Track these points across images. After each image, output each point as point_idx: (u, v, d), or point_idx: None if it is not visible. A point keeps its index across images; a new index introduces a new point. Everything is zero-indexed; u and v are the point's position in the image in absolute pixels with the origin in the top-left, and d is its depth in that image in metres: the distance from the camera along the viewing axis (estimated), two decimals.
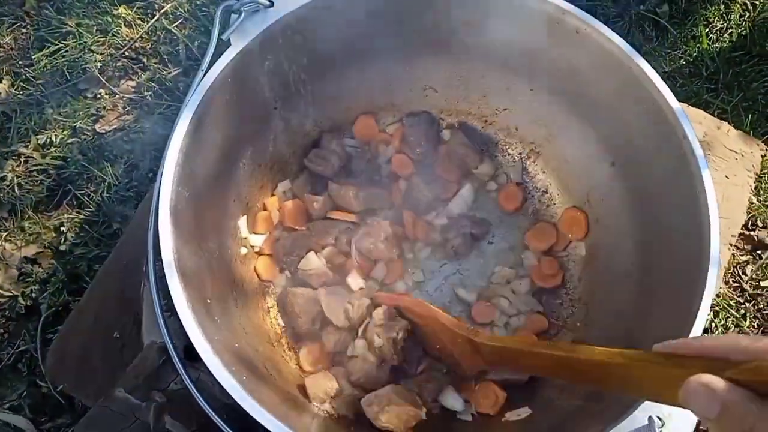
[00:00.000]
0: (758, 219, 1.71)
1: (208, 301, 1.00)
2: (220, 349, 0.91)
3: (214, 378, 0.87)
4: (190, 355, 0.95)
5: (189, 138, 1.00)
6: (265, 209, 1.34)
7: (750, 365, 0.47)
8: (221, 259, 1.17)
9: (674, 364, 0.55)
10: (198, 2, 1.98)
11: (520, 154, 1.43)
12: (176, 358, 0.96)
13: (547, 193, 1.40)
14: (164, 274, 0.93)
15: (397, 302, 1.20)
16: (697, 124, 1.63)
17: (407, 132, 1.40)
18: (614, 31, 1.10)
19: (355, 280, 1.27)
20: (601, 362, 0.65)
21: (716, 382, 0.47)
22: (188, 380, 0.95)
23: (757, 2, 2.02)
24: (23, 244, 1.70)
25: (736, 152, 1.62)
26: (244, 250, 1.27)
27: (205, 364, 0.88)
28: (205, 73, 1.03)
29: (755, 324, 1.63)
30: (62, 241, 1.70)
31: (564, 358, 0.73)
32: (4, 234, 1.70)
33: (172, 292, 0.90)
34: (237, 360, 0.97)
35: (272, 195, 1.36)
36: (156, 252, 0.96)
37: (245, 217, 1.28)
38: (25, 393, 1.56)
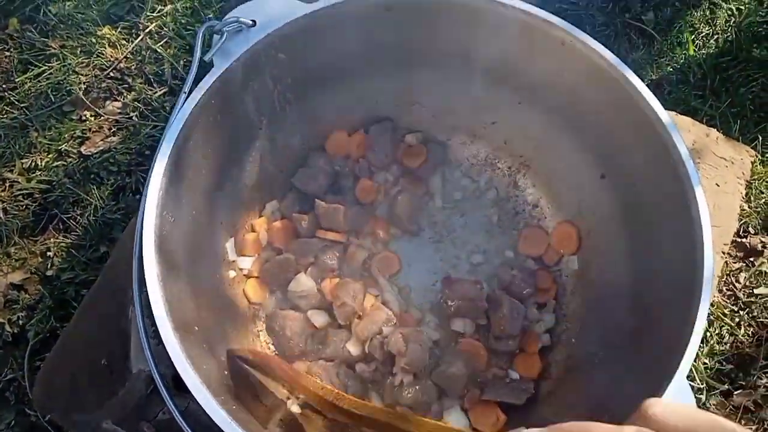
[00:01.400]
0: (750, 225, 1.71)
1: (196, 328, 0.98)
2: (209, 378, 0.88)
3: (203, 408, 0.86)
4: (178, 384, 0.93)
5: (172, 162, 0.98)
6: (253, 230, 1.32)
7: None
8: (209, 283, 1.15)
9: None
10: (182, 21, 1.97)
11: (510, 167, 1.42)
12: (163, 388, 0.94)
13: (537, 206, 1.39)
14: (150, 301, 0.91)
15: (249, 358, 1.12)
16: (686, 132, 1.62)
17: (372, 142, 1.39)
18: (600, 40, 1.09)
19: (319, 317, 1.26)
20: None
21: None
22: (175, 411, 0.92)
23: (742, 7, 2.03)
24: (9, 270, 1.67)
25: (725, 159, 1.61)
26: (232, 274, 1.25)
27: (191, 393, 0.86)
28: (188, 96, 1.01)
29: (750, 332, 1.62)
30: (49, 266, 1.67)
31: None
32: None
33: (157, 321, 0.88)
34: (226, 388, 0.95)
35: (260, 216, 1.34)
36: (141, 279, 0.94)
37: (233, 239, 1.26)
38: (13, 422, 1.53)
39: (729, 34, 2.00)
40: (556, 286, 1.31)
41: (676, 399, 0.88)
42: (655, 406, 0.49)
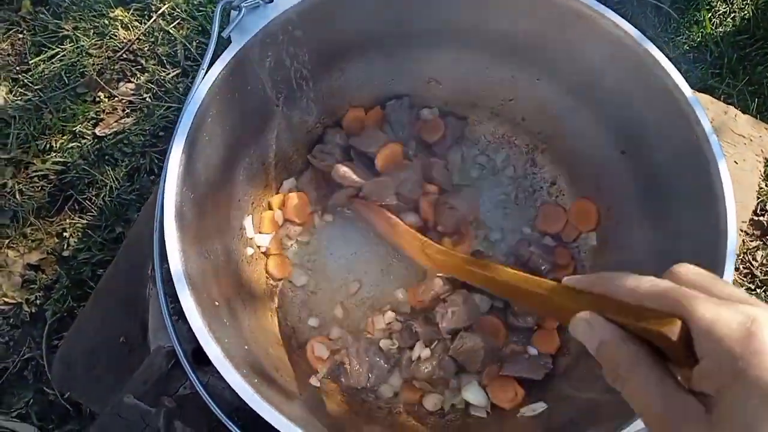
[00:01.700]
0: (767, 204, 1.70)
1: (216, 303, 0.98)
2: (231, 353, 0.89)
3: (224, 381, 0.86)
4: (198, 358, 0.94)
5: (191, 139, 0.97)
6: (270, 208, 1.32)
7: (630, 311, 0.52)
8: (228, 260, 1.15)
9: (574, 298, 0.59)
10: (195, 2, 1.96)
11: (528, 145, 1.41)
12: (185, 362, 0.95)
13: (555, 184, 1.38)
14: (171, 277, 0.91)
15: (363, 207, 1.27)
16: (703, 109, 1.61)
17: (389, 117, 1.39)
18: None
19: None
20: (518, 287, 0.73)
21: (595, 320, 0.54)
22: (198, 384, 0.93)
23: None
24: (26, 251, 1.68)
25: (744, 137, 1.60)
26: (250, 251, 1.26)
27: (214, 368, 0.87)
28: (206, 72, 1.01)
29: None
30: (65, 247, 1.68)
31: (489, 277, 0.83)
32: (7, 241, 1.69)
33: (180, 296, 0.89)
34: (247, 363, 0.95)
35: (277, 193, 1.34)
36: (162, 255, 0.94)
37: (250, 217, 1.26)
38: (31, 400, 1.55)
39: (746, 12, 1.98)
40: (575, 262, 1.31)
41: None
42: (683, 266, 0.55)
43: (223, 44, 1.05)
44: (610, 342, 0.52)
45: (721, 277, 0.91)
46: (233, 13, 1.06)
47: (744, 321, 0.44)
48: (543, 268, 1.27)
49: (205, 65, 1.02)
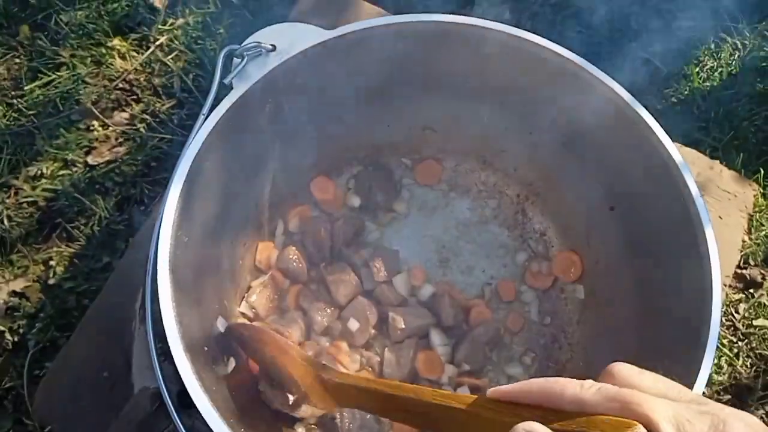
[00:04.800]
0: (750, 257, 1.72)
1: (206, 348, 0.98)
2: (218, 399, 0.89)
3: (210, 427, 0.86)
4: (183, 401, 0.94)
5: (189, 182, 0.98)
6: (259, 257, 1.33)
7: (579, 420, 0.47)
8: (216, 304, 1.15)
9: (509, 412, 0.53)
10: (193, 35, 1.98)
11: (518, 195, 1.43)
12: (171, 406, 0.94)
13: (545, 235, 1.40)
14: (160, 318, 0.91)
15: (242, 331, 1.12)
16: (690, 165, 1.64)
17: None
18: (607, 69, 1.11)
19: None
20: (438, 405, 0.63)
21: (540, 430, 0.47)
22: (182, 430, 0.93)
23: (747, 42, 2.05)
24: (11, 277, 1.67)
25: (729, 192, 1.63)
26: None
27: (199, 412, 0.86)
28: (206, 117, 1.02)
29: (748, 363, 1.63)
30: (51, 275, 1.67)
31: (403, 398, 0.70)
32: None
33: (170, 341, 0.89)
34: (233, 410, 0.95)
35: (272, 237, 1.35)
36: (153, 296, 0.94)
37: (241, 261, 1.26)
38: (10, 431, 1.52)
39: (733, 67, 2.03)
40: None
41: None
42: (620, 365, 0.53)
43: (225, 90, 1.07)
44: None
45: (707, 336, 0.93)
46: (235, 60, 1.08)
47: (716, 424, 0.45)
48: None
49: (205, 111, 1.03)
